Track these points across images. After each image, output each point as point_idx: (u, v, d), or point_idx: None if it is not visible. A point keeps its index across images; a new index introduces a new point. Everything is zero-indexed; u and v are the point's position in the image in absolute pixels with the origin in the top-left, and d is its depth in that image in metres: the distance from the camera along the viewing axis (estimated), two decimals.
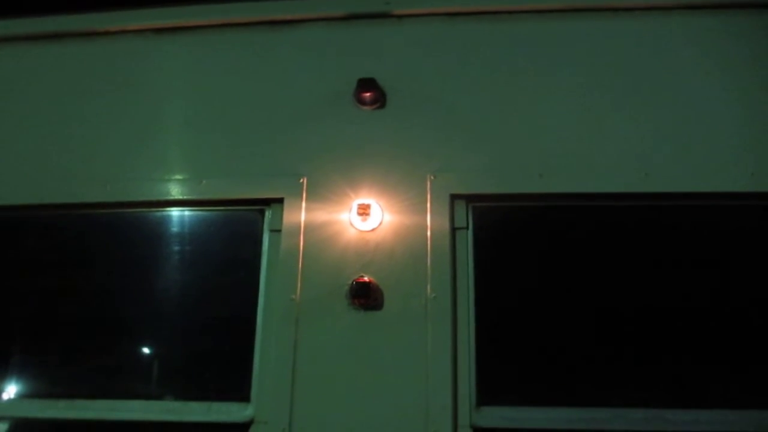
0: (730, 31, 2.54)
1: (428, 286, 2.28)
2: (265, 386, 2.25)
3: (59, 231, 2.65)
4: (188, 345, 2.47)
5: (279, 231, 2.40)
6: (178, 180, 2.53)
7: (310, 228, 2.38)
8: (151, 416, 2.31)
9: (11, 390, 2.47)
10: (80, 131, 2.66)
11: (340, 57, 2.63)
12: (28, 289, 2.60)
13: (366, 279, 2.28)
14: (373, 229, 2.35)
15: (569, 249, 2.43)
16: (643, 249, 2.40)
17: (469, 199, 2.42)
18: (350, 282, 2.28)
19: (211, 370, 2.40)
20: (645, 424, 2.18)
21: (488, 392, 2.22)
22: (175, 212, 2.57)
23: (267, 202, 2.47)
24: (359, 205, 2.35)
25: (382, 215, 2.36)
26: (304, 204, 2.41)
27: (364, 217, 2.34)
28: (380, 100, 2.52)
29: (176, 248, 2.55)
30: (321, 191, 2.42)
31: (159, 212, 2.58)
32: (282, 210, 2.42)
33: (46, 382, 2.49)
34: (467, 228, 2.40)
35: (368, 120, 2.52)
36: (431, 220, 2.36)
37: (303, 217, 2.40)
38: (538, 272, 2.41)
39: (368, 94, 2.49)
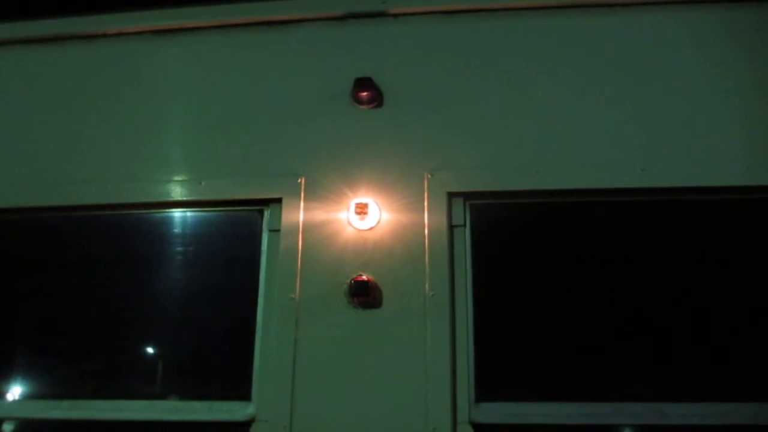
0: (726, 26, 2.54)
1: (426, 284, 2.30)
2: (265, 385, 2.27)
3: (59, 232, 2.67)
4: (189, 345, 2.49)
5: (278, 231, 2.42)
6: (178, 181, 2.54)
7: (308, 227, 2.40)
8: (152, 416, 2.33)
9: (15, 391, 2.50)
10: (79, 133, 2.68)
11: (336, 56, 2.63)
12: (28, 290, 2.63)
13: (364, 277, 2.29)
14: (371, 228, 2.36)
15: (566, 245, 2.44)
16: (640, 244, 2.41)
17: (467, 196, 2.43)
18: (349, 280, 2.29)
19: (212, 370, 2.43)
20: (643, 417, 2.19)
21: (487, 388, 2.24)
22: (174, 213, 2.59)
23: (265, 202, 2.48)
24: (357, 204, 2.36)
25: (380, 214, 2.37)
26: (302, 204, 2.43)
27: (362, 216, 2.34)
28: (377, 99, 2.53)
29: (176, 249, 2.57)
30: (319, 191, 2.44)
31: (159, 213, 2.60)
32: (280, 210, 2.43)
33: (48, 383, 2.51)
34: (465, 225, 2.41)
35: (365, 119, 2.53)
36: (429, 218, 2.37)
37: (301, 216, 2.41)
38: (535, 269, 2.42)
39: (365, 94, 2.50)
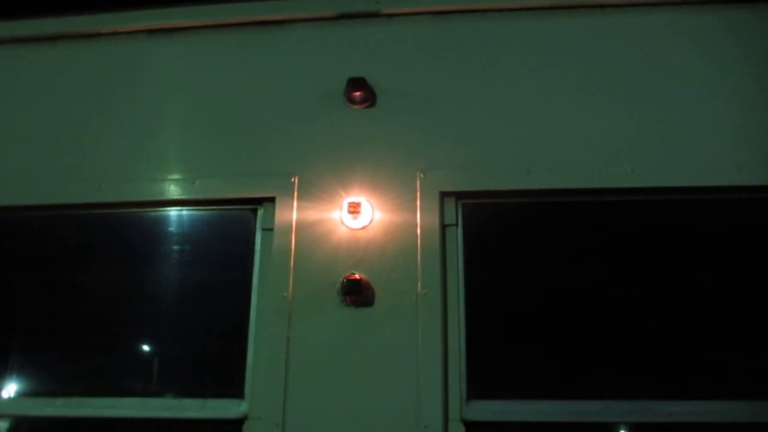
0: (716, 25, 2.56)
1: (419, 283, 2.31)
2: (258, 382, 2.28)
3: (53, 231, 2.67)
4: (183, 343, 2.50)
5: (271, 230, 2.43)
6: (172, 180, 2.55)
7: (301, 226, 2.41)
8: (146, 413, 2.34)
9: (9, 388, 2.50)
10: (73, 132, 2.68)
11: (330, 56, 2.64)
12: (22, 288, 2.64)
13: (357, 276, 2.30)
14: (363, 227, 2.38)
15: (557, 244, 2.45)
16: (630, 243, 2.43)
17: (459, 196, 2.44)
18: (342, 279, 2.31)
19: (206, 367, 2.44)
20: (633, 415, 2.21)
21: (478, 386, 2.25)
22: (168, 212, 2.60)
23: (259, 201, 2.50)
24: (350, 203, 2.37)
25: (373, 213, 2.38)
26: (295, 203, 2.44)
27: (355, 215, 2.36)
28: (370, 99, 2.54)
29: (170, 248, 2.58)
30: (312, 190, 2.45)
31: (153, 212, 2.61)
32: (274, 209, 2.44)
33: (43, 380, 2.52)
34: (457, 225, 2.42)
35: (358, 119, 2.54)
36: (421, 218, 2.38)
37: (295, 215, 2.42)
38: (527, 268, 2.44)
39: (358, 94, 2.51)
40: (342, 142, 2.51)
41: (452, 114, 2.53)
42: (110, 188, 2.57)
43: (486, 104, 2.53)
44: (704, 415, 2.18)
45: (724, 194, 2.39)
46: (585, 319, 2.36)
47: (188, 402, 2.35)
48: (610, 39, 2.57)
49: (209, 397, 2.33)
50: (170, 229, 2.60)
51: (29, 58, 2.82)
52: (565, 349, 2.34)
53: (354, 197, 2.40)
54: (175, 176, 2.56)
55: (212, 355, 2.45)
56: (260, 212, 2.49)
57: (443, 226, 2.40)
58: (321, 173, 2.46)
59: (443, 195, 2.42)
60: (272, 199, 2.46)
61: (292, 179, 2.47)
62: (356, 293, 2.28)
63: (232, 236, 2.54)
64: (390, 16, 2.67)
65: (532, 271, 2.44)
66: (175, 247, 2.58)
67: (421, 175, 2.43)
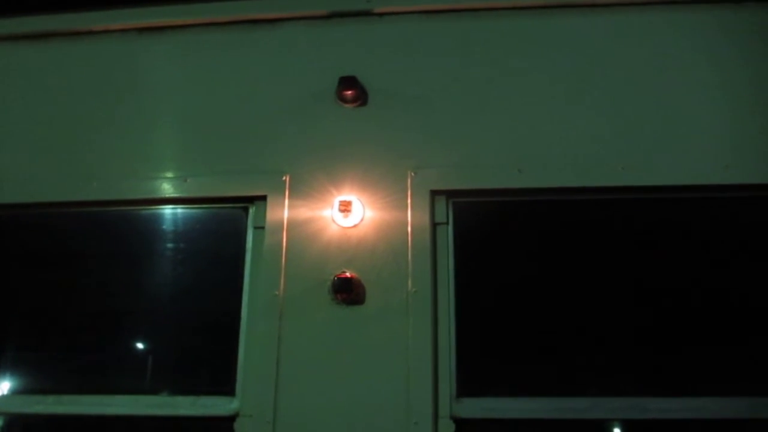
0: (707, 25, 2.57)
1: (409, 281, 2.32)
2: (249, 380, 2.29)
3: (46, 229, 2.67)
4: (174, 340, 2.51)
5: (262, 228, 2.43)
6: (163, 178, 2.55)
7: (293, 225, 2.41)
8: (137, 411, 2.34)
9: (1, 386, 2.51)
10: (64, 130, 2.68)
11: (321, 55, 2.64)
12: (13, 285, 2.64)
13: (348, 274, 2.31)
14: (354, 226, 2.38)
15: (548, 243, 2.47)
16: (621, 241, 2.45)
17: (449, 194, 2.45)
18: (332, 277, 2.31)
19: (197, 365, 2.45)
20: (623, 412, 2.22)
21: (468, 383, 2.26)
22: (160, 210, 2.60)
23: (251, 199, 2.50)
24: (341, 201, 2.38)
25: (364, 211, 2.39)
26: (287, 201, 2.44)
27: (346, 214, 2.36)
28: (361, 97, 2.54)
29: (161, 246, 2.59)
30: (303, 188, 2.45)
31: (144, 210, 2.61)
32: (265, 207, 2.44)
33: (34, 378, 2.53)
34: (447, 223, 2.43)
35: (350, 118, 2.55)
36: (412, 216, 2.39)
37: (286, 214, 2.42)
38: (517, 266, 2.46)
39: (350, 92, 2.51)
40: (333, 140, 2.52)
41: (443, 113, 2.53)
42: (102, 186, 2.57)
43: (477, 103, 2.54)
44: (694, 411, 2.19)
45: (712, 192, 2.40)
46: (575, 316, 2.37)
47: (180, 399, 2.35)
48: (600, 38, 2.58)
49: (201, 394, 2.34)
50: (162, 227, 2.60)
51: (20, 56, 2.81)
52: (555, 347, 2.35)
53: (345, 195, 2.40)
54: (167, 174, 2.56)
55: (204, 352, 2.46)
56: (252, 210, 2.50)
57: (434, 225, 2.41)
58: (312, 172, 2.47)
59: (434, 193, 2.43)
60: (263, 198, 2.46)
61: (284, 178, 2.47)
62: (347, 291, 2.29)
63: (224, 234, 2.55)
64: (381, 15, 2.67)
65: (522, 269, 2.45)
66: (167, 245, 2.59)
67: (412, 174, 2.44)
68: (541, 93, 2.53)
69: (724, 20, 2.56)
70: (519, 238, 2.49)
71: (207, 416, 2.30)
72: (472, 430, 2.21)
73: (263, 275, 2.38)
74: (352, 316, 2.30)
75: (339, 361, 2.26)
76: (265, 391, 2.24)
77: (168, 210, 2.60)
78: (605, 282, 2.42)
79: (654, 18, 2.59)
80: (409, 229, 2.38)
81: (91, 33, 2.81)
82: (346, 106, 2.55)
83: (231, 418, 2.26)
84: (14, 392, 2.51)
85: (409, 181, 2.43)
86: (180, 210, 2.60)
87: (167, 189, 2.53)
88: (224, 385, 2.32)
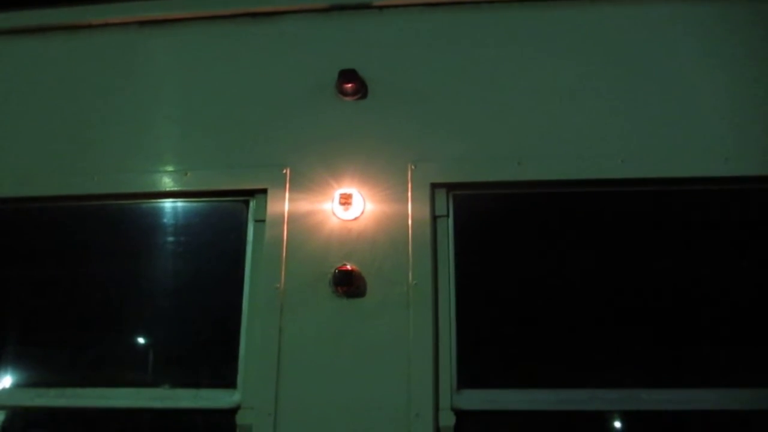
0: (708, 18, 2.57)
1: (410, 274, 2.33)
2: (251, 373, 2.30)
3: (47, 223, 2.67)
4: (176, 334, 2.51)
5: (263, 221, 2.44)
6: (164, 172, 2.56)
7: (293, 218, 2.42)
8: (139, 403, 2.35)
9: (3, 379, 2.51)
10: (65, 124, 2.68)
11: (321, 48, 2.64)
12: (14, 279, 2.64)
13: (348, 267, 2.32)
14: (355, 218, 2.39)
15: (548, 235, 2.47)
16: (620, 234, 2.45)
17: (450, 187, 2.46)
18: (333, 270, 2.32)
19: (198, 358, 2.45)
20: (621, 403, 2.24)
21: (468, 375, 2.27)
22: (161, 204, 2.60)
23: (251, 192, 2.50)
24: (341, 194, 2.38)
25: (364, 204, 2.39)
26: (287, 194, 2.44)
27: (347, 207, 2.37)
28: (361, 91, 2.54)
29: (162, 239, 2.59)
30: (304, 181, 2.45)
31: (145, 204, 2.61)
32: (266, 200, 2.45)
33: (36, 371, 2.53)
34: (448, 216, 2.44)
35: (350, 111, 2.55)
36: (412, 209, 2.39)
37: (286, 207, 2.43)
38: (517, 258, 2.46)
39: (350, 85, 2.51)
40: (333, 133, 2.52)
41: (443, 105, 2.53)
42: (103, 180, 2.57)
43: (477, 96, 2.54)
44: (691, 403, 2.20)
45: (712, 185, 2.40)
46: (575, 309, 2.38)
47: (181, 392, 2.36)
48: (600, 31, 2.58)
49: (202, 387, 2.35)
50: (163, 220, 2.60)
51: (19, 50, 2.81)
52: (554, 339, 2.36)
53: (345, 188, 2.40)
54: (168, 168, 2.56)
55: (205, 345, 2.47)
56: (252, 204, 2.50)
57: (434, 217, 2.42)
58: (313, 165, 2.47)
59: (434, 186, 2.43)
60: (264, 191, 2.47)
61: (284, 171, 2.47)
62: (347, 284, 2.29)
63: (225, 228, 2.55)
64: (381, 8, 2.67)
65: (522, 261, 2.46)
66: (168, 239, 2.59)
67: (413, 167, 2.44)
68: (542, 86, 2.53)
69: (725, 13, 2.56)
70: (519, 231, 2.49)
71: (208, 409, 2.32)
72: (472, 421, 2.23)
73: (264, 268, 2.39)
74: (352, 309, 2.31)
75: (340, 354, 2.27)
76: (267, 384, 2.25)
77: (168, 204, 2.61)
78: (605, 274, 2.42)
79: (655, 10, 2.59)
80: (410, 221, 2.38)
81: (90, 26, 2.80)
82: (346, 99, 2.55)
83: (232, 411, 2.27)
84: (16, 386, 2.51)
85: (409, 173, 2.44)
86: (180, 204, 2.61)
87: (168, 183, 2.54)
88: (226, 377, 2.33)
